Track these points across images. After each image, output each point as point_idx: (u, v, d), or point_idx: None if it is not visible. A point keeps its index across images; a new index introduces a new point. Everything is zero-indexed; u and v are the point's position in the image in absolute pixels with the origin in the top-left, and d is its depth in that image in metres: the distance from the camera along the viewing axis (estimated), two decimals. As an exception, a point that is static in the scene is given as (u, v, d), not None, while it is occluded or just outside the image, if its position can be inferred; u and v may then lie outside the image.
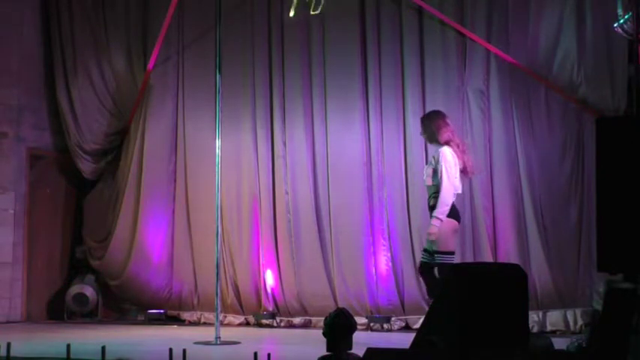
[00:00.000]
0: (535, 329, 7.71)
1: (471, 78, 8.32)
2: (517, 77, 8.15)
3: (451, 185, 6.87)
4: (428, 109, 8.34)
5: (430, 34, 8.50)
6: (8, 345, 5.00)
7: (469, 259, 8.04)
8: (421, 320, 7.00)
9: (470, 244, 8.16)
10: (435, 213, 6.86)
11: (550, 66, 8.04)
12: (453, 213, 6.92)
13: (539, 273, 7.90)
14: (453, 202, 6.94)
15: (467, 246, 8.16)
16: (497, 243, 8.14)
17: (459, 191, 7.06)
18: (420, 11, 8.52)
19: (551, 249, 7.98)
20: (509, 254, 8.01)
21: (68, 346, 5.03)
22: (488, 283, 4.54)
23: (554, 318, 7.88)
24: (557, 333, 7.70)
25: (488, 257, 8.01)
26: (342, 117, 8.75)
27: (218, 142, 7.69)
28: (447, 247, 6.87)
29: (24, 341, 7.10)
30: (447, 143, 7.00)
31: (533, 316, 7.75)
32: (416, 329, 7.27)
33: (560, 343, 5.82)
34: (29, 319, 9.50)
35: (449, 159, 6.91)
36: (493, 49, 8.21)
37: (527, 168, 8.07)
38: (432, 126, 7.10)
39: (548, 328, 7.86)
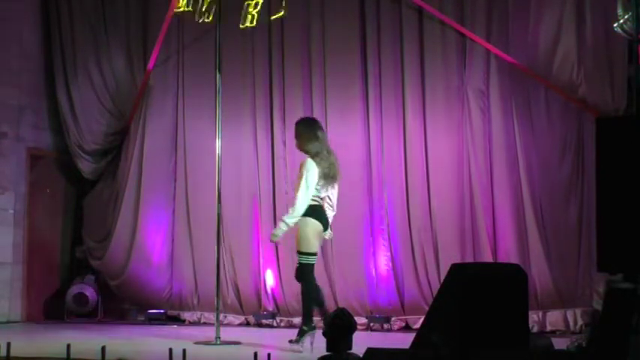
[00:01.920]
0: (535, 329, 7.71)
1: (471, 78, 8.32)
2: (517, 77, 8.14)
3: (306, 197, 6.76)
4: (428, 109, 8.40)
5: (430, 34, 8.50)
6: (8, 345, 5.00)
7: (469, 259, 8.03)
8: (421, 320, 6.99)
9: (470, 244, 8.16)
10: (285, 217, 6.81)
11: (550, 66, 8.03)
12: (319, 216, 6.84)
13: (539, 273, 7.90)
14: (322, 207, 6.88)
15: (467, 246, 8.17)
16: (497, 243, 8.14)
17: (326, 194, 6.92)
18: (420, 11, 8.52)
19: (551, 249, 7.97)
20: (509, 254, 8.00)
21: (68, 346, 5.03)
22: (488, 283, 4.54)
23: (554, 318, 7.89)
24: (557, 333, 7.69)
25: (488, 257, 8.00)
26: (342, 117, 8.75)
27: (218, 142, 7.69)
28: (309, 248, 6.81)
29: (24, 341, 7.09)
30: (316, 155, 6.85)
31: (533, 316, 7.75)
32: (416, 329, 7.27)
33: (560, 343, 5.81)
34: (29, 319, 9.49)
35: (309, 168, 6.79)
36: (493, 49, 8.20)
37: (527, 168, 8.07)
38: (303, 136, 6.98)
39: (548, 328, 7.86)
